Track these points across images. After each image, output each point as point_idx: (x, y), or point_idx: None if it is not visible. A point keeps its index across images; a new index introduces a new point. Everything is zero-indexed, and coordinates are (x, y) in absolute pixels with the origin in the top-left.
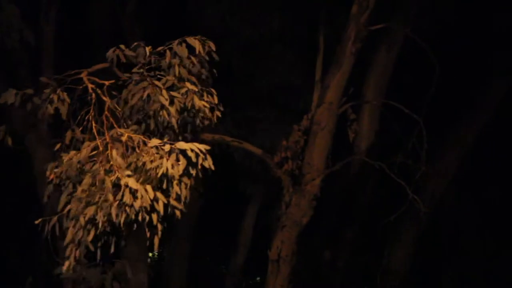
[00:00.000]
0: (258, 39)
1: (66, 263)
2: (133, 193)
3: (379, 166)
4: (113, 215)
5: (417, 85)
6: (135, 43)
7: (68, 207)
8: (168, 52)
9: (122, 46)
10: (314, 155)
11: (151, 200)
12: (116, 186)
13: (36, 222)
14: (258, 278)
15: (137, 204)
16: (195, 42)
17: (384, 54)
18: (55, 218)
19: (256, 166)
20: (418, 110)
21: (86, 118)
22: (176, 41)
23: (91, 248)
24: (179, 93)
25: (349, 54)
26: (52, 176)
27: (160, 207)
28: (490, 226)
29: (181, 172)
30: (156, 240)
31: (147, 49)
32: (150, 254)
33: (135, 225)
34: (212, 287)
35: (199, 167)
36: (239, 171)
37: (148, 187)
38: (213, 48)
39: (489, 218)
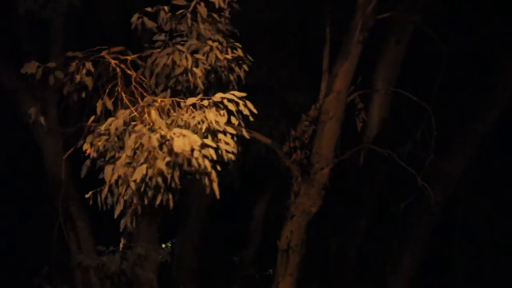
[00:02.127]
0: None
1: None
2: (178, 141)
3: (388, 155)
4: (164, 171)
5: (428, 73)
6: (157, 8)
7: (115, 175)
8: (188, 15)
9: (149, 9)
10: (323, 144)
11: (200, 146)
12: (161, 145)
13: (87, 195)
14: (270, 271)
15: (186, 151)
16: None
17: (393, 44)
18: (106, 188)
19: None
20: (429, 99)
21: (116, 89)
22: (194, 1)
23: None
24: (203, 54)
25: (356, 42)
26: (89, 150)
27: (211, 152)
28: (504, 217)
29: (223, 124)
30: (215, 187)
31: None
32: (163, 245)
33: (188, 177)
34: (223, 279)
35: (240, 115)
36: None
37: (193, 135)
38: None
39: (504, 209)
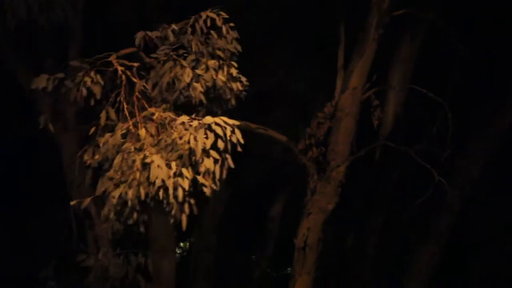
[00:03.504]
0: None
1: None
2: (154, 171)
3: (405, 151)
4: (142, 193)
5: (444, 70)
6: (161, 27)
7: (101, 188)
8: (189, 29)
9: (149, 33)
10: (339, 141)
11: (175, 175)
12: (146, 164)
13: (71, 203)
14: (288, 269)
15: (158, 180)
16: (209, 14)
17: (408, 41)
18: (87, 200)
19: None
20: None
21: (118, 99)
22: (193, 18)
23: (118, 228)
24: (202, 69)
25: (371, 40)
26: (89, 161)
27: (185, 183)
28: None
29: (208, 146)
30: (184, 218)
31: (172, 26)
32: (182, 244)
33: (164, 203)
34: (240, 278)
35: (228, 140)
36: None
37: (173, 163)
38: (226, 16)
39: None
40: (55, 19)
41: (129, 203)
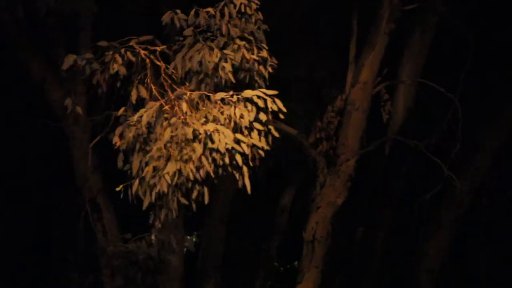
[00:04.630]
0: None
1: (153, 229)
2: (216, 137)
3: (414, 145)
4: (206, 164)
5: (454, 64)
6: (192, 9)
7: (149, 168)
8: (217, 13)
9: (178, 11)
10: (349, 135)
11: (233, 141)
12: (193, 138)
13: (117, 188)
14: (296, 263)
15: (222, 146)
16: (242, 1)
17: (419, 35)
18: (136, 182)
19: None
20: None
21: (146, 81)
22: (223, 2)
23: (174, 207)
24: (231, 50)
25: (382, 34)
26: (119, 142)
27: (243, 147)
28: None
29: (252, 118)
30: (247, 181)
31: (202, 11)
32: (189, 237)
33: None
34: (249, 270)
35: (269, 111)
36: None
37: (227, 131)
38: (258, 4)
39: None
40: (78, 7)
41: (190, 175)
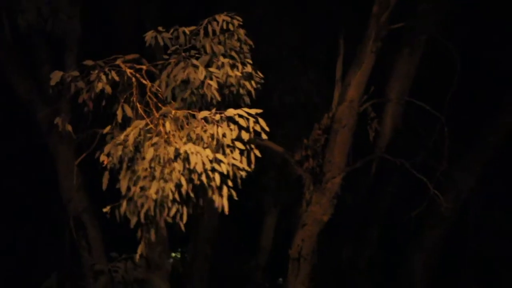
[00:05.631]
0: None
1: (140, 247)
2: (193, 158)
3: (400, 163)
4: (184, 184)
5: (441, 83)
6: (173, 28)
7: (133, 188)
8: (201, 31)
9: (160, 28)
10: (335, 153)
11: (211, 162)
12: (177, 156)
13: (104, 210)
14: (280, 279)
15: (198, 166)
16: (224, 18)
17: (406, 54)
18: (124, 202)
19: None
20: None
21: (132, 99)
22: (206, 20)
23: (162, 225)
24: (216, 67)
25: (369, 52)
26: (106, 161)
27: (222, 168)
28: None
29: (234, 137)
30: (225, 202)
31: (186, 30)
32: (173, 255)
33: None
34: (234, 287)
35: (251, 131)
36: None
37: (207, 150)
38: (240, 21)
39: None
40: (60, 26)
41: (170, 194)
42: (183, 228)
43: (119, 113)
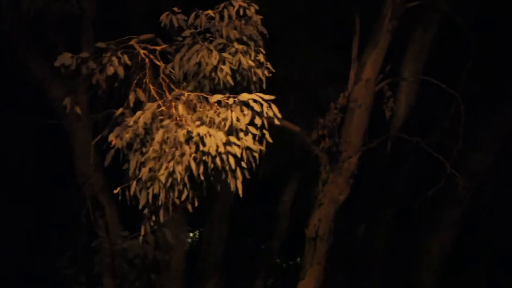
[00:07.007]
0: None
1: (143, 228)
2: (208, 140)
3: (417, 142)
4: (193, 167)
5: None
6: (193, 10)
7: (144, 170)
8: (217, 15)
9: (176, 9)
10: (351, 132)
11: (225, 144)
12: (187, 140)
13: (115, 191)
14: (298, 259)
15: (212, 149)
16: (241, 4)
17: (421, 33)
18: (134, 183)
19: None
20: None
21: (144, 81)
22: (223, 4)
23: (170, 208)
24: (229, 53)
25: (385, 31)
26: (114, 142)
27: (235, 150)
28: None
29: (247, 122)
30: (239, 185)
31: (202, 14)
32: (191, 235)
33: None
34: (250, 268)
35: (265, 116)
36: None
37: (221, 133)
38: (257, 8)
39: None
40: (68, 8)
41: (179, 177)
42: (190, 209)
43: (131, 97)
